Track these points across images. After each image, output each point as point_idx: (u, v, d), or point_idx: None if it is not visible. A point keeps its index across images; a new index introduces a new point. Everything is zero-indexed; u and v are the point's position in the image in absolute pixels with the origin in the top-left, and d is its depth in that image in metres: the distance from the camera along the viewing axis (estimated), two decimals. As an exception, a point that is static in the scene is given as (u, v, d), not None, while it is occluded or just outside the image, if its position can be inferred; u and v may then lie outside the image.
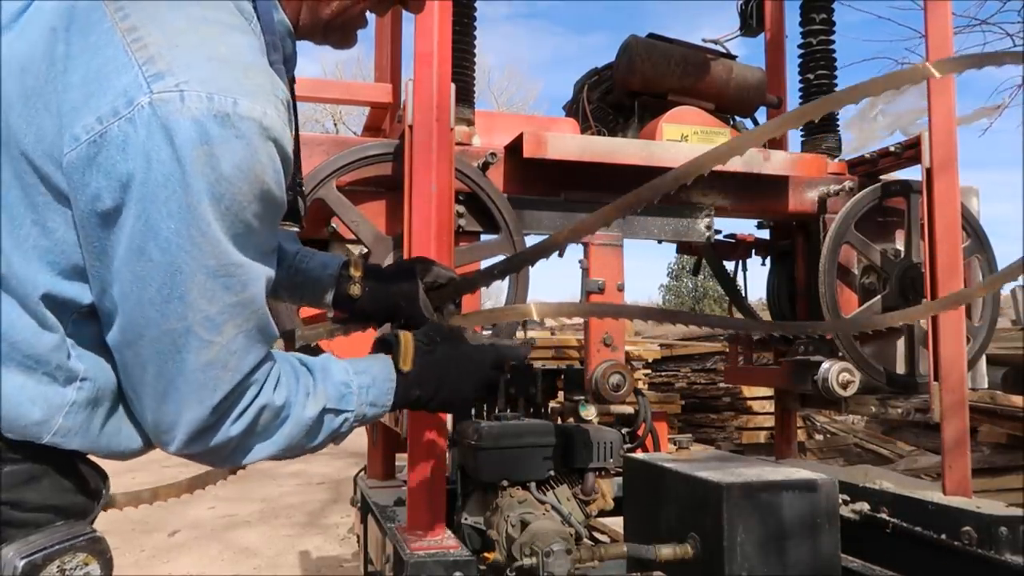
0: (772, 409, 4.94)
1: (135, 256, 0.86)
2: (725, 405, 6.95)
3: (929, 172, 2.28)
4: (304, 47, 1.18)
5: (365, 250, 2.22)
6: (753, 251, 3.02)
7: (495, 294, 3.19)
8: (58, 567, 0.91)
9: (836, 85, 2.77)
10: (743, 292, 3.04)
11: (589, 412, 2.26)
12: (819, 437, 7.13)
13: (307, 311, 2.07)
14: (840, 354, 2.45)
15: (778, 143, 2.97)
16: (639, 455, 2.17)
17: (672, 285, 32.09)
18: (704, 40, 2.85)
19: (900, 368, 2.54)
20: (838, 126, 2.81)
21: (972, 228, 2.52)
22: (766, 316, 3.43)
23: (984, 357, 2.57)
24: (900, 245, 2.57)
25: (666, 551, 1.71)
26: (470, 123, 2.40)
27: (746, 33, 3.06)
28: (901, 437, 6.62)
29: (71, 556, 0.92)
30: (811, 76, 2.75)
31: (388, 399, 1.16)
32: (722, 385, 6.94)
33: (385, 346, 1.23)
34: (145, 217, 0.84)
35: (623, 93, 2.69)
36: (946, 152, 2.26)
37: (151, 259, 0.86)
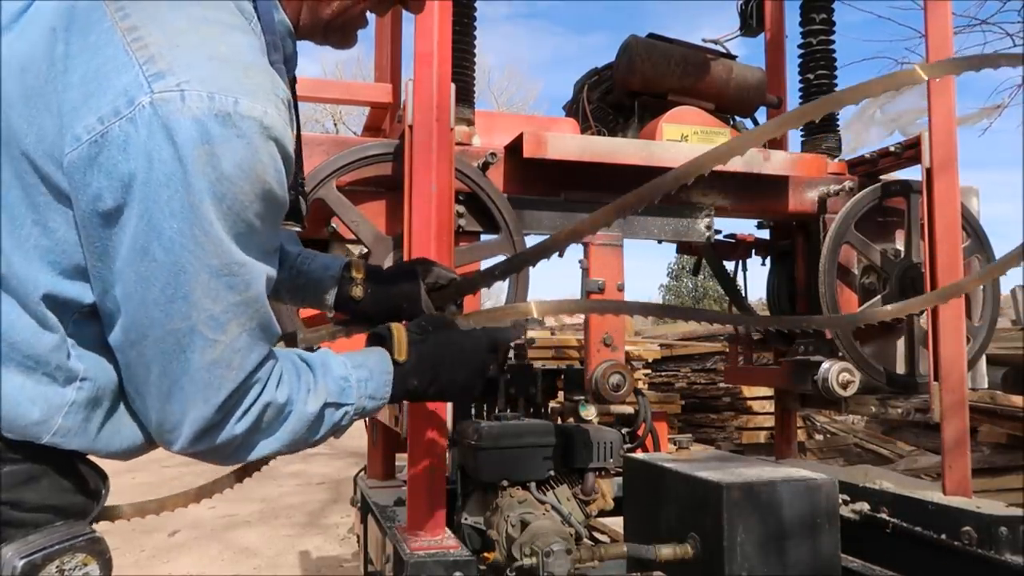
0: (772, 409, 4.94)
1: (139, 256, 0.86)
2: (725, 405, 6.95)
3: (929, 172, 2.28)
4: (304, 47, 1.18)
5: (365, 250, 2.22)
6: (753, 251, 3.02)
7: (495, 294, 3.19)
8: (57, 567, 0.91)
9: (836, 85, 2.77)
10: (743, 292, 3.04)
11: (589, 412, 2.26)
12: (819, 437, 7.13)
13: (307, 312, 2.07)
14: (840, 354, 2.45)
15: (778, 143, 2.97)
16: (639, 455, 2.17)
17: (672, 285, 32.10)
18: (704, 40, 2.85)
19: (900, 368, 2.54)
20: (838, 126, 2.81)
21: (972, 228, 2.52)
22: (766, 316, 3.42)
23: (984, 357, 2.57)
24: (900, 245, 2.57)
25: (666, 551, 1.71)
26: (470, 123, 2.40)
27: (746, 33, 3.06)
28: (901, 437, 6.62)
29: (70, 556, 0.92)
30: (811, 76, 2.76)
31: (386, 391, 1.17)
32: (722, 385, 6.94)
33: (378, 340, 1.23)
34: (148, 217, 0.84)
35: (623, 93, 2.69)
36: (946, 152, 2.27)
37: (155, 259, 0.86)
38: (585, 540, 2.04)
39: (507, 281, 2.17)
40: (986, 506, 1.94)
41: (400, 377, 1.18)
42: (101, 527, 1.02)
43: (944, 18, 2.28)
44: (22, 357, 0.90)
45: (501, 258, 2.16)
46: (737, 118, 2.79)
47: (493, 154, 2.27)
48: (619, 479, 2.16)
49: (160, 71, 0.84)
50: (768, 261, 3.02)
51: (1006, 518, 1.82)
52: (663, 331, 10.47)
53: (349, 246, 2.35)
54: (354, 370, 1.13)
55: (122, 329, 0.90)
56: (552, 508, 1.97)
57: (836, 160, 2.73)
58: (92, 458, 1.00)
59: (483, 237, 2.31)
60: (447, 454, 1.90)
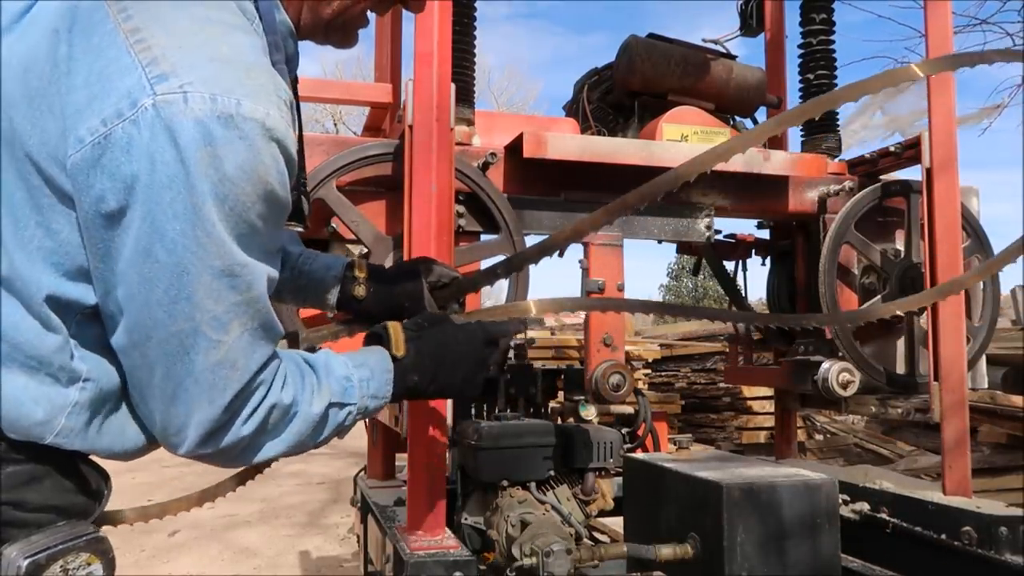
0: (772, 409, 4.94)
1: (142, 257, 0.86)
2: (725, 405, 6.95)
3: (929, 172, 2.28)
4: (304, 47, 1.18)
5: (365, 250, 2.22)
6: (753, 251, 3.02)
7: (496, 294, 3.19)
8: (61, 567, 0.91)
9: (836, 85, 2.77)
10: (743, 292, 3.04)
11: (589, 412, 2.26)
12: (819, 437, 7.13)
13: (307, 312, 2.07)
14: (840, 354, 2.45)
15: (778, 143, 2.97)
16: (639, 455, 2.17)
17: (672, 285, 32.12)
18: (704, 40, 2.85)
19: (900, 368, 2.54)
20: (838, 126, 2.81)
21: (972, 228, 2.52)
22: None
23: (984, 357, 2.57)
24: (900, 245, 2.57)
25: (666, 551, 1.71)
26: (470, 123, 2.40)
27: (746, 33, 3.06)
28: (901, 437, 6.62)
29: (74, 556, 0.92)
30: (811, 76, 2.76)
31: (388, 389, 1.17)
32: (722, 385, 6.94)
33: (376, 339, 1.24)
34: (151, 219, 0.84)
35: (623, 93, 2.69)
36: (946, 152, 2.27)
37: (157, 260, 0.86)
38: (585, 540, 2.04)
39: (508, 280, 2.17)
40: (986, 506, 1.94)
41: (400, 374, 1.18)
42: (102, 528, 1.02)
43: (944, 18, 2.28)
44: (25, 358, 0.90)
45: (501, 258, 2.16)
46: (737, 118, 2.79)
47: (493, 154, 2.27)
48: (619, 479, 2.16)
49: (163, 73, 0.84)
50: (768, 261, 3.02)
51: (1006, 518, 1.82)
52: (663, 331, 10.47)
53: (349, 246, 2.35)
54: (356, 370, 1.13)
55: (125, 331, 0.90)
56: (552, 508, 1.97)
57: (836, 160, 2.73)
58: (94, 458, 1.00)
59: (483, 237, 2.31)
60: (447, 454, 1.90)
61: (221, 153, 0.85)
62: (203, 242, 0.86)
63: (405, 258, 1.90)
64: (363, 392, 1.12)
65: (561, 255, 2.29)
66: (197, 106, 0.84)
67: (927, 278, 2.27)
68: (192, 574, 4.64)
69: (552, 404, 2.48)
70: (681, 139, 2.52)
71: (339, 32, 1.19)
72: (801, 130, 2.83)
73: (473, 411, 2.29)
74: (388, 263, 2.16)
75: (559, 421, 2.35)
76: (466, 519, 2.07)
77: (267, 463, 1.15)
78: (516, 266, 1.63)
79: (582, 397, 2.32)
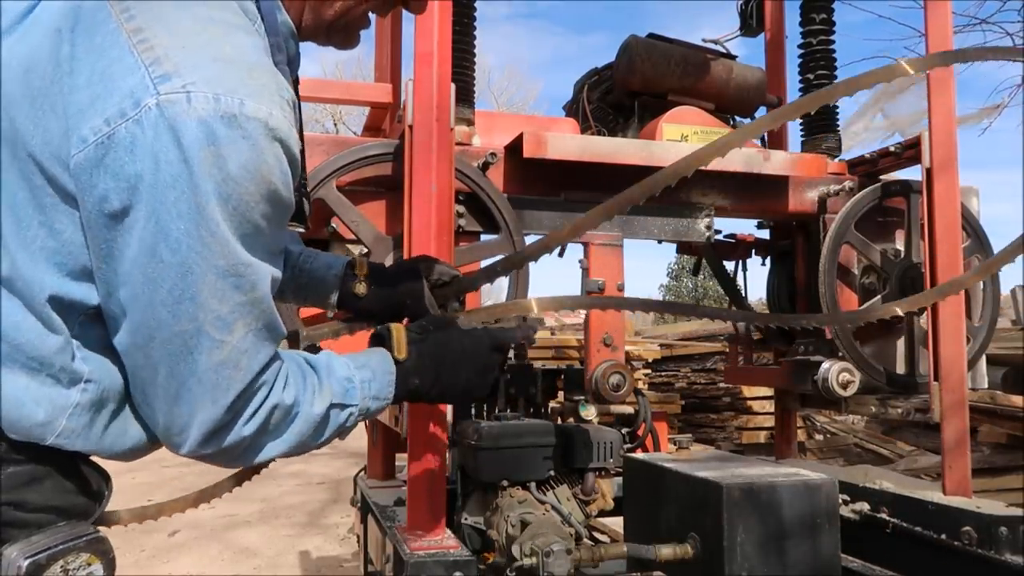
0: (772, 409, 4.94)
1: (146, 257, 0.86)
2: (725, 405, 6.95)
3: (929, 172, 2.28)
4: (304, 47, 1.18)
5: (365, 250, 2.22)
6: (753, 251, 3.02)
7: (496, 293, 3.19)
8: (62, 567, 0.91)
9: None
10: (743, 292, 3.04)
11: (589, 412, 2.26)
12: (819, 437, 7.13)
13: (307, 312, 2.07)
14: (840, 354, 2.45)
15: (778, 143, 2.97)
16: (639, 455, 2.17)
17: (672, 285, 32.11)
18: (704, 40, 2.85)
19: (900, 368, 2.54)
20: (838, 126, 2.81)
21: (972, 228, 2.52)
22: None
23: (984, 357, 2.57)
24: (900, 245, 2.57)
25: (666, 551, 1.71)
26: (470, 123, 2.40)
27: (746, 33, 3.06)
28: (901, 437, 6.62)
29: (74, 556, 0.92)
30: (811, 76, 2.75)
31: (389, 391, 1.17)
32: (722, 385, 6.94)
33: (378, 341, 1.24)
34: (155, 218, 0.84)
35: (623, 93, 2.69)
36: (946, 152, 2.27)
37: (162, 260, 0.86)
38: (585, 540, 2.04)
39: (508, 280, 2.17)
40: (986, 506, 1.94)
41: (402, 376, 1.18)
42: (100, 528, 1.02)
43: (944, 17, 2.28)
44: (27, 359, 0.90)
45: (501, 258, 2.16)
46: (737, 118, 2.79)
47: (493, 154, 2.27)
48: (619, 479, 2.16)
49: (166, 73, 0.84)
50: (768, 261, 3.02)
51: (1006, 518, 1.82)
52: (663, 331, 10.47)
53: (349, 246, 2.35)
54: (357, 371, 1.13)
55: (128, 332, 0.90)
56: (552, 508, 1.97)
57: (836, 160, 2.73)
58: (95, 459, 1.00)
59: (483, 237, 2.31)
60: (447, 454, 1.90)
61: (224, 153, 0.85)
62: (207, 241, 0.86)
63: (405, 258, 1.90)
64: (364, 393, 1.12)
65: (561, 254, 2.30)
66: (200, 106, 0.84)
67: (927, 278, 2.27)
68: (192, 574, 4.64)
69: (552, 404, 2.48)
70: (681, 139, 2.53)
71: (341, 33, 1.19)
72: (801, 130, 2.83)
73: (473, 411, 2.29)
74: (388, 263, 2.16)
75: (559, 421, 2.35)
76: (466, 519, 2.07)
77: (266, 463, 1.15)
78: (516, 263, 1.64)
79: (582, 397, 2.32)
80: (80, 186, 0.86)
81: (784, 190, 2.59)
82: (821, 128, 2.76)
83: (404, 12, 1.33)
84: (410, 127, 1.91)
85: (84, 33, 0.87)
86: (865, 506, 2.14)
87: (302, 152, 1.08)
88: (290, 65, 1.07)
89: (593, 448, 2.10)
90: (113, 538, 0.99)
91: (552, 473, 2.04)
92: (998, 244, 2.54)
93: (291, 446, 1.03)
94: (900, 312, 1.79)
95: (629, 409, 2.40)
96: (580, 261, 2.41)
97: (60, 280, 0.90)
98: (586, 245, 2.38)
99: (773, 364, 3.13)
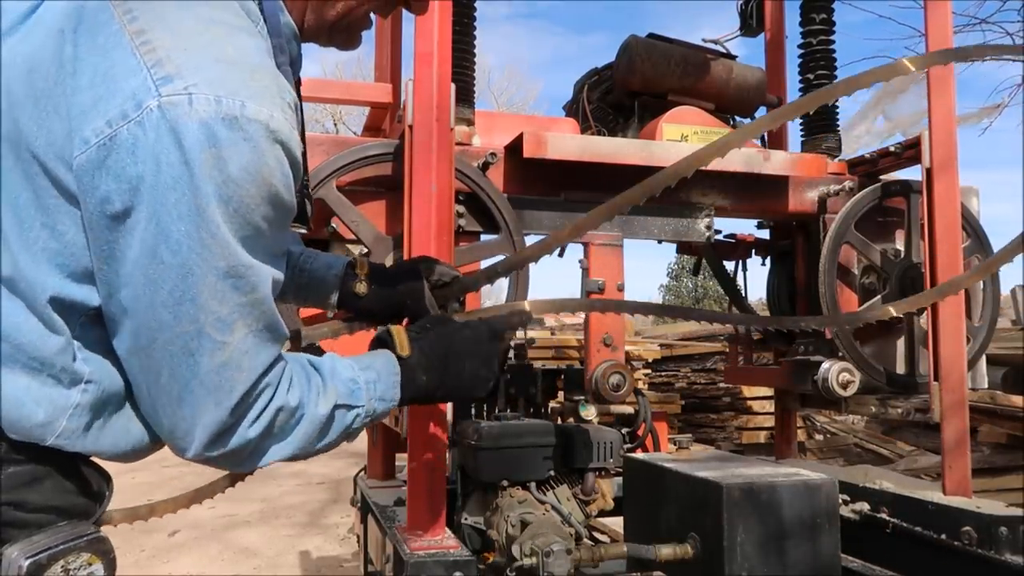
0: (772, 409, 4.94)
1: (147, 258, 0.86)
2: (725, 405, 6.95)
3: (929, 172, 2.28)
4: (305, 47, 1.18)
5: (365, 250, 2.22)
6: (753, 251, 3.02)
7: (496, 294, 3.19)
8: (62, 567, 0.91)
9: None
10: (743, 292, 3.04)
11: (589, 412, 2.26)
12: (819, 437, 7.13)
13: (306, 311, 2.07)
14: (840, 354, 2.45)
15: (778, 143, 2.97)
16: (639, 455, 2.17)
17: (672, 285, 32.11)
18: (704, 40, 2.85)
19: (900, 368, 2.55)
20: (838, 126, 2.81)
21: (972, 228, 2.52)
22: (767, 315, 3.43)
23: (984, 357, 2.57)
24: (900, 245, 2.57)
25: (666, 551, 1.71)
26: (470, 123, 2.40)
27: (746, 33, 3.06)
28: (901, 437, 6.62)
29: (75, 556, 0.92)
30: (811, 76, 2.76)
31: (395, 391, 1.16)
32: (722, 385, 6.94)
33: (380, 343, 1.23)
34: (156, 219, 0.84)
35: (623, 93, 2.69)
36: (946, 152, 2.27)
37: (163, 261, 0.86)
38: (585, 540, 2.04)
39: (508, 280, 2.17)
40: (986, 506, 1.94)
41: (408, 374, 1.17)
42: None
43: (944, 17, 2.28)
44: (28, 359, 0.90)
45: (501, 258, 2.16)
46: (737, 118, 2.79)
47: (493, 154, 2.27)
48: (619, 479, 2.16)
49: (168, 74, 0.84)
50: (768, 261, 3.02)
51: (1006, 518, 1.82)
52: (663, 331, 10.48)
53: (349, 246, 2.35)
54: (362, 372, 1.12)
55: (130, 334, 0.90)
56: (552, 508, 1.97)
57: (836, 160, 2.73)
58: (96, 460, 1.00)
59: (483, 237, 2.31)
60: (447, 454, 1.90)
61: (225, 155, 0.85)
62: (208, 243, 0.86)
63: (405, 258, 1.90)
64: (370, 394, 1.12)
65: (561, 254, 2.30)
66: (202, 107, 0.84)
67: (927, 278, 2.27)
68: (192, 574, 4.64)
69: (552, 404, 2.48)
70: (681, 139, 2.53)
71: (343, 34, 1.19)
72: (801, 130, 2.83)
73: (473, 411, 2.29)
74: (388, 263, 2.16)
75: (559, 421, 2.35)
76: (466, 519, 2.07)
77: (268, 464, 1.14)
78: (517, 264, 1.64)
79: (582, 397, 2.32)
80: (82, 187, 0.86)
81: (784, 190, 2.60)
82: (821, 128, 2.76)
83: (404, 12, 1.33)
84: (410, 127, 1.91)
85: (87, 34, 0.87)
86: (865, 506, 2.14)
87: (303, 154, 1.08)
88: (292, 67, 1.07)
89: (593, 448, 2.11)
90: (113, 538, 0.99)
91: (552, 473, 2.04)
92: (998, 244, 2.55)
93: (297, 448, 1.03)
94: (896, 313, 1.79)
95: (629, 409, 2.40)
96: (580, 261, 2.41)
97: (62, 281, 0.90)
98: (586, 245, 2.38)
99: (773, 364, 3.13)
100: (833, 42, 2.78)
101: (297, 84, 1.11)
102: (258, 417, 0.96)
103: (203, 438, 0.93)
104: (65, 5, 0.90)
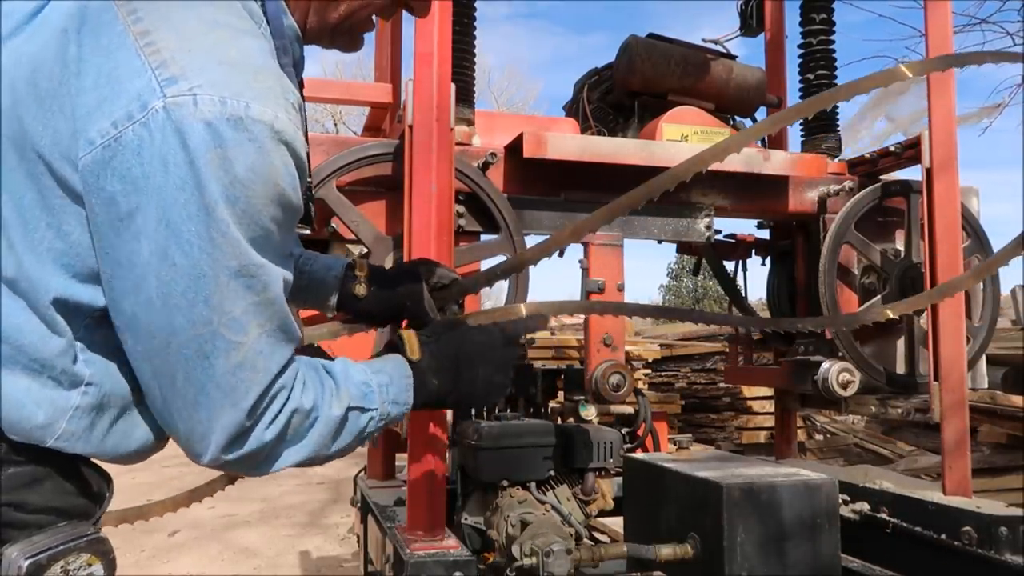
0: (772, 409, 4.94)
1: (158, 260, 0.85)
2: (725, 405, 6.95)
3: (929, 172, 2.28)
4: (306, 48, 1.18)
5: (365, 250, 2.22)
6: (753, 251, 3.02)
7: (495, 295, 3.19)
8: (62, 567, 0.90)
9: (836, 85, 2.77)
10: (743, 292, 3.05)
11: (589, 412, 2.26)
12: (819, 437, 7.13)
13: (305, 312, 2.07)
14: (840, 354, 2.45)
15: (778, 143, 2.97)
16: (639, 455, 2.17)
17: (672, 285, 32.11)
18: (704, 40, 2.85)
19: (900, 368, 2.55)
20: (838, 126, 2.81)
21: (972, 228, 2.52)
22: (766, 316, 3.43)
23: (984, 357, 2.57)
24: (900, 245, 2.57)
25: (666, 551, 1.71)
26: (470, 123, 2.40)
27: (746, 33, 3.06)
28: (901, 437, 6.62)
29: (75, 556, 0.92)
30: (811, 76, 2.76)
31: (408, 395, 1.15)
32: (722, 385, 6.94)
33: (392, 348, 1.23)
34: (165, 221, 0.84)
35: (623, 93, 2.69)
36: (946, 152, 2.27)
37: (174, 263, 0.85)
38: (585, 540, 2.04)
39: (508, 281, 2.17)
40: (986, 506, 1.94)
41: (419, 378, 1.17)
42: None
43: (944, 17, 2.28)
44: (28, 360, 0.89)
45: (501, 258, 2.17)
46: (737, 118, 2.79)
47: (493, 154, 2.27)
48: (619, 479, 2.16)
49: (173, 76, 0.84)
50: (768, 261, 3.03)
51: (1006, 518, 1.82)
52: (663, 331, 10.48)
53: (349, 246, 2.35)
54: (374, 375, 1.12)
55: (143, 338, 0.89)
56: (552, 508, 1.97)
57: (836, 160, 2.74)
58: (96, 461, 1.00)
59: (483, 237, 2.31)
60: (447, 454, 1.90)
61: (231, 155, 0.84)
62: (218, 243, 0.85)
63: (405, 258, 1.90)
64: (384, 397, 1.11)
65: (561, 254, 2.30)
66: (207, 108, 0.83)
67: (927, 278, 2.27)
68: (192, 574, 4.64)
69: (552, 404, 2.48)
70: (681, 139, 2.53)
71: (345, 36, 1.19)
72: (801, 130, 2.83)
73: (473, 411, 2.29)
74: (388, 263, 2.16)
75: (559, 421, 2.35)
76: (466, 519, 2.07)
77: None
78: (516, 266, 1.64)
79: (582, 397, 2.32)
80: (88, 188, 0.86)
81: (784, 190, 2.60)
82: (821, 128, 2.76)
83: (405, 13, 1.33)
84: (410, 127, 1.91)
85: (91, 34, 0.87)
86: (865, 506, 2.14)
87: (307, 155, 1.08)
88: (295, 68, 1.07)
89: (593, 448, 2.11)
90: (113, 538, 0.99)
91: (552, 473, 2.04)
92: (998, 244, 2.55)
93: (312, 451, 1.02)
94: (893, 316, 1.78)
95: (629, 409, 2.40)
96: (580, 261, 2.41)
97: (67, 282, 0.90)
98: (586, 245, 2.38)
99: (773, 364, 3.13)
100: (833, 42, 2.78)
101: (300, 86, 1.11)
102: (274, 419, 0.95)
103: (220, 441, 0.92)
104: (69, 5, 0.90)
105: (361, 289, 1.49)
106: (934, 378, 2.22)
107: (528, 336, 2.56)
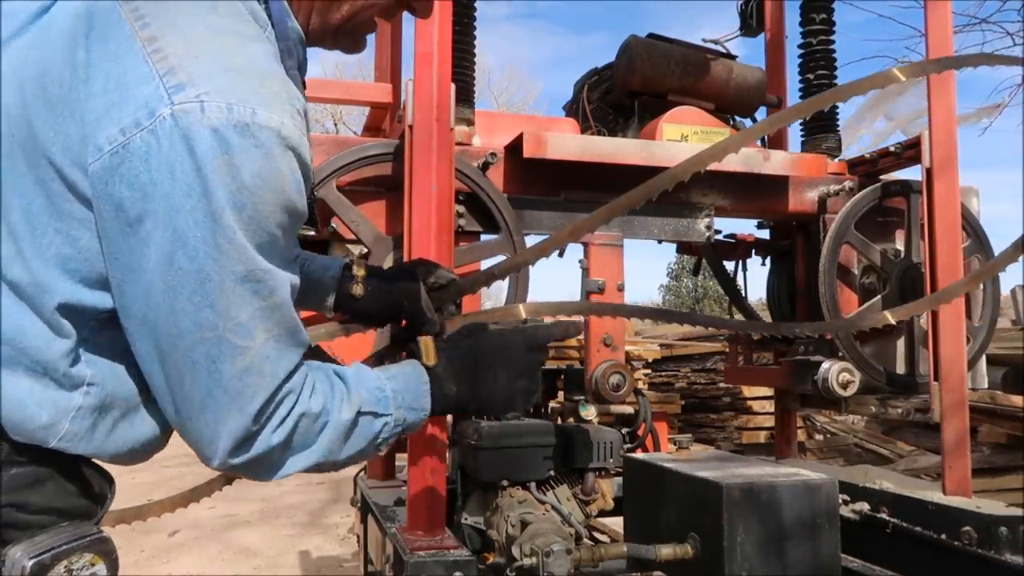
0: (772, 409, 4.95)
1: (165, 266, 0.86)
2: (725, 405, 6.95)
3: (929, 172, 2.28)
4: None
5: (365, 250, 2.22)
6: (753, 251, 3.02)
7: (495, 295, 3.19)
8: (65, 567, 0.91)
9: (836, 85, 2.77)
10: (743, 292, 3.05)
11: (589, 412, 2.26)
12: (819, 437, 7.14)
13: (304, 313, 2.07)
14: (840, 354, 2.45)
15: (778, 143, 2.98)
16: (639, 455, 2.17)
17: (672, 285, 32.11)
18: (704, 40, 2.85)
19: (900, 368, 2.55)
20: (838, 126, 2.81)
21: (972, 228, 2.52)
22: (766, 316, 3.44)
23: (984, 357, 2.57)
24: (900, 245, 2.57)
25: (666, 551, 1.71)
26: (470, 123, 2.40)
27: (746, 33, 3.06)
28: (901, 437, 6.62)
29: (78, 556, 0.92)
30: (811, 76, 2.76)
31: (425, 401, 1.14)
32: (722, 385, 6.95)
33: (410, 355, 1.21)
34: (172, 227, 0.85)
35: (623, 93, 2.69)
36: (946, 152, 2.27)
37: (180, 268, 0.86)
38: (585, 540, 2.04)
39: (507, 281, 2.17)
40: (986, 506, 1.94)
41: (436, 384, 1.15)
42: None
43: (944, 17, 2.28)
44: (31, 362, 0.90)
45: (501, 258, 2.16)
46: (737, 118, 2.79)
47: (493, 154, 2.28)
48: (619, 479, 2.16)
49: (180, 83, 0.84)
50: (768, 261, 3.03)
51: (1006, 518, 1.82)
52: (663, 331, 10.47)
53: (349, 246, 2.35)
54: (388, 381, 1.10)
55: (151, 343, 0.90)
56: (552, 508, 1.97)
57: (836, 160, 2.74)
58: (98, 461, 1.00)
59: (483, 237, 2.31)
60: (447, 454, 1.90)
61: (238, 162, 0.85)
62: (224, 248, 0.86)
63: (405, 259, 1.90)
64: (398, 403, 1.10)
65: (561, 254, 2.30)
66: (214, 115, 0.84)
67: (927, 278, 2.27)
68: (192, 574, 4.64)
69: (552, 404, 2.48)
70: (681, 139, 2.53)
71: (348, 37, 1.19)
72: (801, 130, 2.83)
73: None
74: (388, 263, 2.16)
75: (559, 421, 2.35)
76: (466, 519, 2.07)
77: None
78: (515, 266, 1.63)
79: (582, 397, 2.32)
80: (97, 194, 0.86)
81: (784, 190, 2.60)
82: (821, 128, 2.76)
83: (405, 13, 1.33)
84: (410, 127, 1.91)
85: (99, 39, 0.87)
86: (865, 506, 2.14)
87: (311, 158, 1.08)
88: (299, 70, 1.07)
89: (593, 448, 2.11)
90: (113, 538, 1.00)
91: (552, 473, 2.04)
92: (998, 244, 2.55)
93: (321, 456, 1.01)
94: (892, 321, 1.78)
95: (629, 409, 2.40)
96: (580, 261, 2.41)
97: (73, 286, 0.90)
98: (586, 245, 2.38)
99: (773, 364, 3.13)
100: (833, 42, 2.78)
101: (303, 88, 1.11)
102: (281, 423, 0.95)
103: (227, 445, 0.92)
104: (76, 7, 0.90)
105: (358, 289, 1.48)
106: (934, 378, 2.23)
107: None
